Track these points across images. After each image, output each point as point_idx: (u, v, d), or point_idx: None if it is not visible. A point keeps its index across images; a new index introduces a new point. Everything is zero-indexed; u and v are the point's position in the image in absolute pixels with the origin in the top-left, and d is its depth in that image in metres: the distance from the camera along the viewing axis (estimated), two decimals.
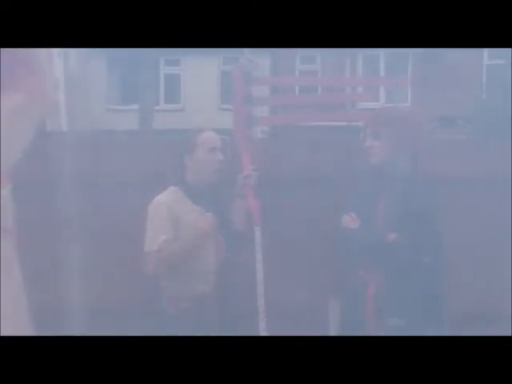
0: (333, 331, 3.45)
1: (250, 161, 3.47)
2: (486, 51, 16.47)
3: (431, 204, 3.27)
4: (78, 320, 3.56)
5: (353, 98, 5.46)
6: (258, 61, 3.67)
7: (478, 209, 4.02)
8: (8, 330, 1.76)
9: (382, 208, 3.25)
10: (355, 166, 3.56)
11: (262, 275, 3.45)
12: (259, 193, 3.50)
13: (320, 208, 3.87)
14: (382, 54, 17.59)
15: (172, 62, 18.72)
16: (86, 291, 3.66)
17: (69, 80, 14.72)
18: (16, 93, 1.78)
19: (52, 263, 3.72)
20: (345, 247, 3.31)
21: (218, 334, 3.08)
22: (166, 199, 3.34)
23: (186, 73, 18.77)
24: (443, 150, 4.12)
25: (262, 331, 3.40)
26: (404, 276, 3.16)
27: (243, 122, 3.59)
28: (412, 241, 3.16)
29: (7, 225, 1.80)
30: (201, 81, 18.26)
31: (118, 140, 4.55)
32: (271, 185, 3.60)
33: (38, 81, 1.81)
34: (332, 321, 3.47)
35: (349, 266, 3.31)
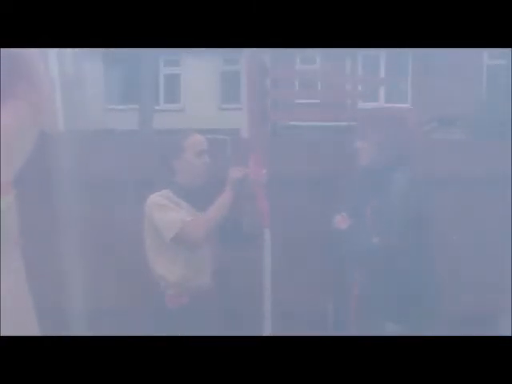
0: (333, 332, 3.46)
1: (261, 160, 3.44)
2: (486, 51, 16.48)
3: (430, 204, 3.27)
4: (78, 319, 3.56)
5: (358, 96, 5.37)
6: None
7: (478, 209, 4.02)
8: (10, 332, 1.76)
9: (381, 209, 3.25)
10: (354, 167, 3.56)
11: (269, 277, 3.45)
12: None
13: (322, 209, 3.87)
14: (382, 54, 17.60)
15: (172, 63, 18.72)
16: (86, 290, 3.66)
17: (69, 80, 14.73)
18: (14, 100, 1.77)
19: (52, 262, 3.73)
20: (342, 248, 3.32)
21: (218, 332, 3.10)
22: (163, 195, 3.36)
23: (186, 73, 18.78)
24: (443, 150, 4.12)
25: (267, 331, 3.41)
26: (402, 277, 3.16)
27: (256, 118, 3.52)
28: (411, 241, 3.16)
29: (14, 234, 1.79)
30: (201, 81, 18.27)
31: (118, 140, 4.56)
32: (273, 185, 3.60)
33: (34, 87, 1.80)
34: (333, 321, 3.48)
35: (347, 267, 3.31)
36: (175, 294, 3.33)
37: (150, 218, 3.32)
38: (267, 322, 3.42)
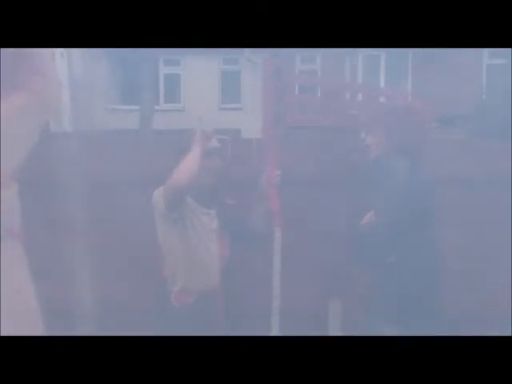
0: (339, 331, 3.46)
1: (276, 161, 3.44)
2: (485, 51, 16.48)
3: (431, 204, 3.27)
4: (86, 317, 3.57)
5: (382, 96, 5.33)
6: (258, 61, 3.66)
7: (478, 209, 4.02)
8: (16, 331, 1.75)
9: (383, 208, 3.25)
10: (362, 164, 3.55)
11: (279, 276, 3.45)
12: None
13: (331, 208, 3.88)
14: (382, 54, 17.60)
15: (172, 62, 18.72)
16: (92, 289, 3.66)
17: (70, 80, 14.73)
18: (19, 92, 1.76)
19: (57, 262, 3.73)
20: (350, 247, 3.32)
21: (224, 331, 3.11)
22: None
23: (186, 73, 18.78)
24: (443, 150, 4.11)
25: (274, 331, 3.41)
26: (404, 275, 3.16)
27: (271, 119, 3.54)
28: (412, 241, 3.16)
29: (14, 226, 1.78)
30: (201, 81, 18.27)
31: (119, 140, 4.56)
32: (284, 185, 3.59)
33: (42, 80, 1.79)
34: (336, 321, 3.48)
35: (358, 267, 3.31)
36: (182, 291, 3.34)
37: (158, 209, 3.32)
38: (275, 321, 3.42)
